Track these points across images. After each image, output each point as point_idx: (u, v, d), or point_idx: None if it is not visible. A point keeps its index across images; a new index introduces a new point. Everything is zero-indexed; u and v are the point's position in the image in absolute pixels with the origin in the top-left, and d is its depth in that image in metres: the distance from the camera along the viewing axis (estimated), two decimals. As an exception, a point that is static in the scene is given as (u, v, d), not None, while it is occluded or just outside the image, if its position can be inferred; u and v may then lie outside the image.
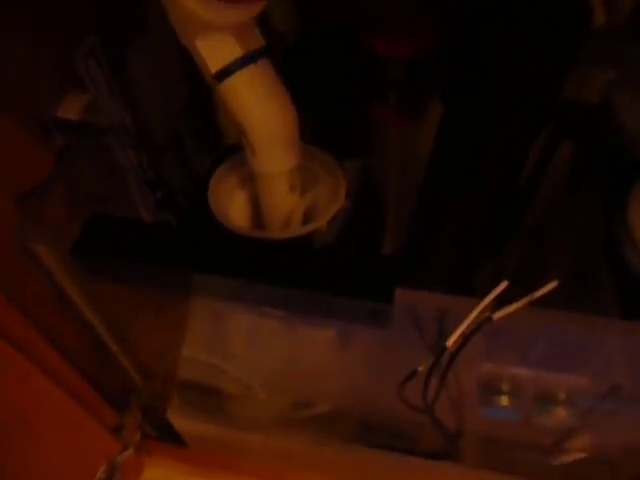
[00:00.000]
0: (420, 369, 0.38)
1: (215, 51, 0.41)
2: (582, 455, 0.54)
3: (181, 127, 0.64)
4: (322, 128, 0.65)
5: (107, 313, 0.59)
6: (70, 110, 0.50)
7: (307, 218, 0.52)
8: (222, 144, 0.64)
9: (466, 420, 0.51)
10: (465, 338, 0.36)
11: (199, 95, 0.66)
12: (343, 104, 0.63)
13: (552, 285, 0.37)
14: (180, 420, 0.73)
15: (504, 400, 0.46)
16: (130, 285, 0.45)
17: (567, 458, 0.55)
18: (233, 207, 0.53)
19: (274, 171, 0.47)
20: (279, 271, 0.41)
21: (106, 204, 0.57)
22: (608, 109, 0.51)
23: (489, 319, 0.36)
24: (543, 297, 0.37)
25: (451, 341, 0.36)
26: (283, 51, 0.72)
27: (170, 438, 0.74)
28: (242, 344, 0.61)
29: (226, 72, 0.42)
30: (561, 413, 0.45)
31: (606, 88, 0.51)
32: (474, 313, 0.36)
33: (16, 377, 0.51)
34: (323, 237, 0.48)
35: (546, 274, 0.41)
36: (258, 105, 0.43)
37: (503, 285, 0.37)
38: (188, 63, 0.44)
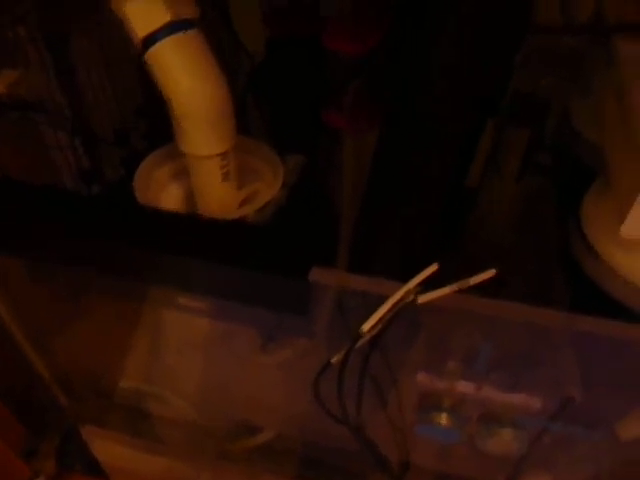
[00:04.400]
0: (334, 360, 0.33)
1: (143, 16, 0.39)
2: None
3: (131, 126, 0.62)
4: (286, 135, 0.64)
5: (23, 310, 0.54)
6: (-4, 84, 0.47)
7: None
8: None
9: (408, 445, 0.45)
10: (385, 323, 0.31)
11: (154, 99, 0.64)
12: (307, 113, 0.61)
13: (488, 274, 0.33)
14: (105, 449, 0.66)
15: (444, 418, 0.40)
16: (33, 259, 0.41)
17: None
18: (164, 201, 0.49)
19: (204, 153, 0.43)
20: (197, 248, 0.36)
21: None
22: (565, 115, 0.49)
23: (413, 302, 0.31)
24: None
25: (368, 325, 0.31)
26: (253, 69, 0.72)
27: (91, 471, 0.67)
28: (173, 354, 0.56)
29: (152, 38, 0.39)
30: (508, 435, 0.40)
31: (564, 93, 0.49)
32: (397, 295, 0.31)
33: None
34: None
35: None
36: (185, 75, 0.40)
37: (432, 268, 0.32)
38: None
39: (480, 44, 0.39)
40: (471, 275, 0.34)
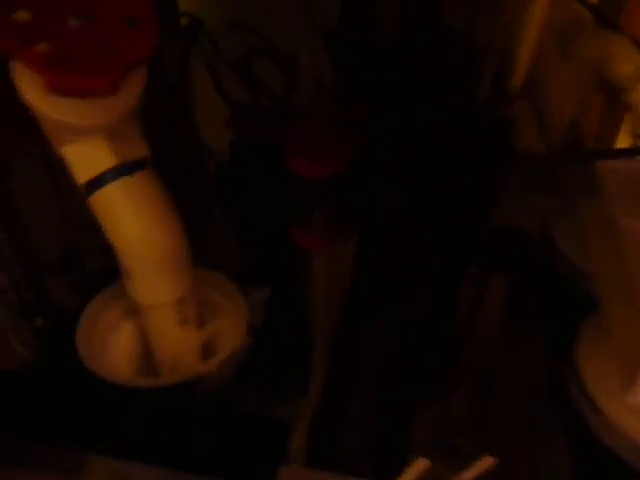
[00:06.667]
0: None
1: (85, 160, 0.35)
2: None
3: (81, 245, 0.57)
4: (245, 253, 0.60)
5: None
6: None
7: (209, 352, 0.44)
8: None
9: None
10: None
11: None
12: (269, 227, 0.58)
13: (487, 462, 0.28)
14: None
15: None
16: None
17: None
18: (115, 345, 0.44)
19: (157, 302, 0.39)
20: (141, 437, 0.31)
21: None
22: (547, 239, 0.46)
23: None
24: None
25: None
26: (216, 169, 0.69)
27: None
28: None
29: (95, 184, 0.35)
30: None
31: (545, 217, 0.46)
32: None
33: None
34: (213, 384, 0.38)
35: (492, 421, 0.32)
36: (133, 224, 0.36)
37: (423, 464, 0.28)
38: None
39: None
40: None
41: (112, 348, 0.43)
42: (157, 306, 0.39)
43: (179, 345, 0.42)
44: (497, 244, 0.39)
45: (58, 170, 0.52)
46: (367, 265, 0.40)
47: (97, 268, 0.55)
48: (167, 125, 0.63)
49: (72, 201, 0.55)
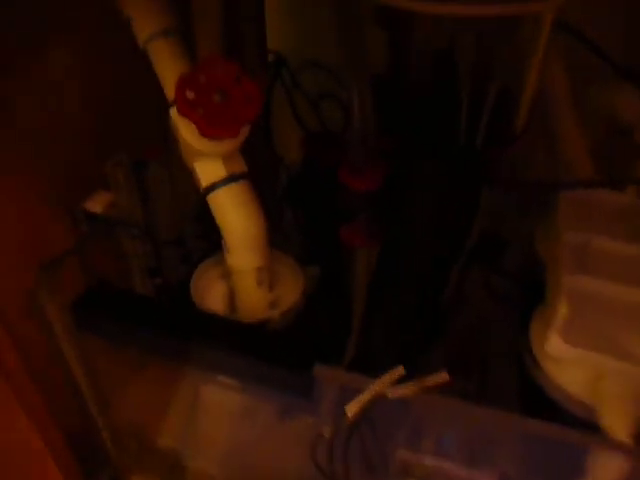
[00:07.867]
0: (325, 434, 0.46)
1: (207, 171, 0.55)
2: None
3: (188, 230, 0.78)
4: (309, 247, 0.79)
5: (96, 375, 0.68)
6: (96, 205, 0.63)
7: (275, 306, 0.63)
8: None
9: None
10: (364, 411, 0.44)
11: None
12: (327, 226, 0.76)
13: (441, 377, 0.46)
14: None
15: (417, 486, 0.52)
16: (116, 343, 0.55)
17: None
18: (212, 295, 0.64)
19: (244, 267, 0.58)
20: (235, 344, 0.51)
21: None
22: (533, 253, 0.62)
23: (384, 395, 0.44)
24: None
25: (351, 409, 0.44)
26: (287, 179, 0.88)
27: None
28: (208, 421, 0.68)
29: (213, 187, 0.55)
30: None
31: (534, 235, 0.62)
32: (372, 388, 0.44)
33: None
34: (277, 324, 0.57)
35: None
36: (234, 215, 0.55)
37: (398, 371, 0.45)
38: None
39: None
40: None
41: (210, 300, 0.63)
42: (244, 271, 0.58)
43: (255, 300, 0.61)
44: (482, 246, 0.55)
45: (177, 178, 0.74)
46: (389, 254, 0.58)
47: (196, 247, 0.77)
48: (251, 143, 0.83)
49: (183, 199, 0.76)
